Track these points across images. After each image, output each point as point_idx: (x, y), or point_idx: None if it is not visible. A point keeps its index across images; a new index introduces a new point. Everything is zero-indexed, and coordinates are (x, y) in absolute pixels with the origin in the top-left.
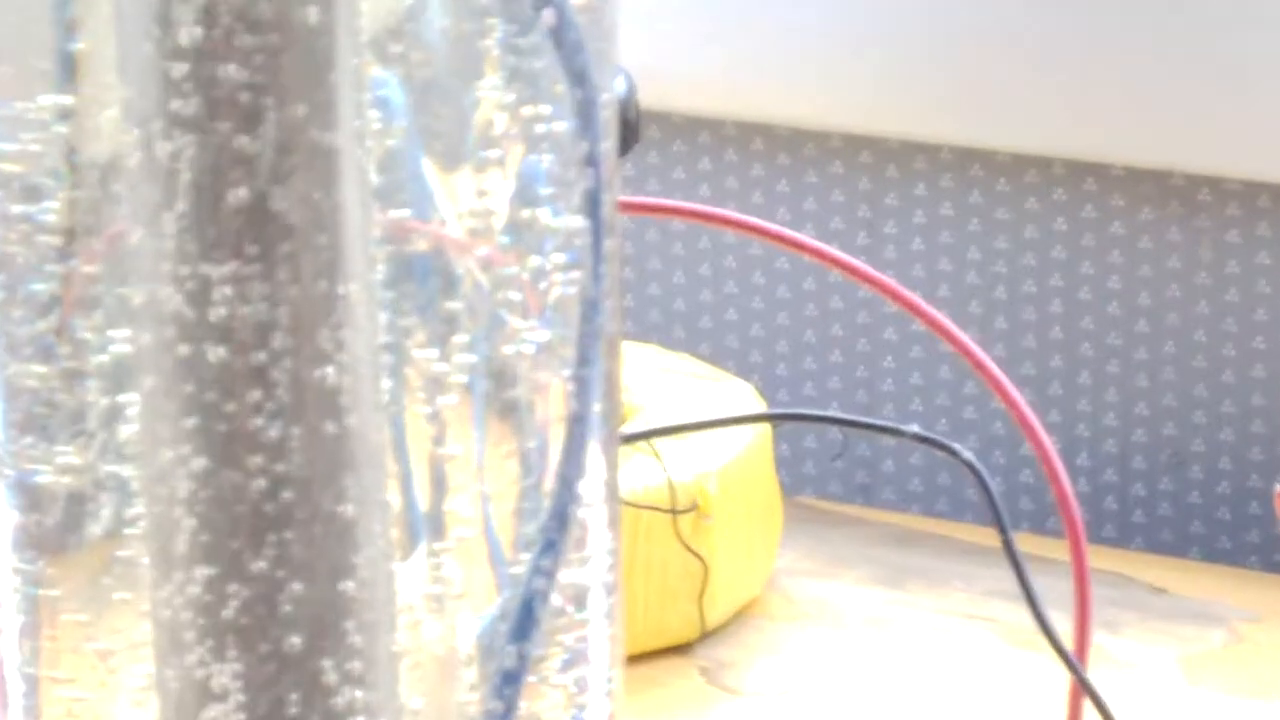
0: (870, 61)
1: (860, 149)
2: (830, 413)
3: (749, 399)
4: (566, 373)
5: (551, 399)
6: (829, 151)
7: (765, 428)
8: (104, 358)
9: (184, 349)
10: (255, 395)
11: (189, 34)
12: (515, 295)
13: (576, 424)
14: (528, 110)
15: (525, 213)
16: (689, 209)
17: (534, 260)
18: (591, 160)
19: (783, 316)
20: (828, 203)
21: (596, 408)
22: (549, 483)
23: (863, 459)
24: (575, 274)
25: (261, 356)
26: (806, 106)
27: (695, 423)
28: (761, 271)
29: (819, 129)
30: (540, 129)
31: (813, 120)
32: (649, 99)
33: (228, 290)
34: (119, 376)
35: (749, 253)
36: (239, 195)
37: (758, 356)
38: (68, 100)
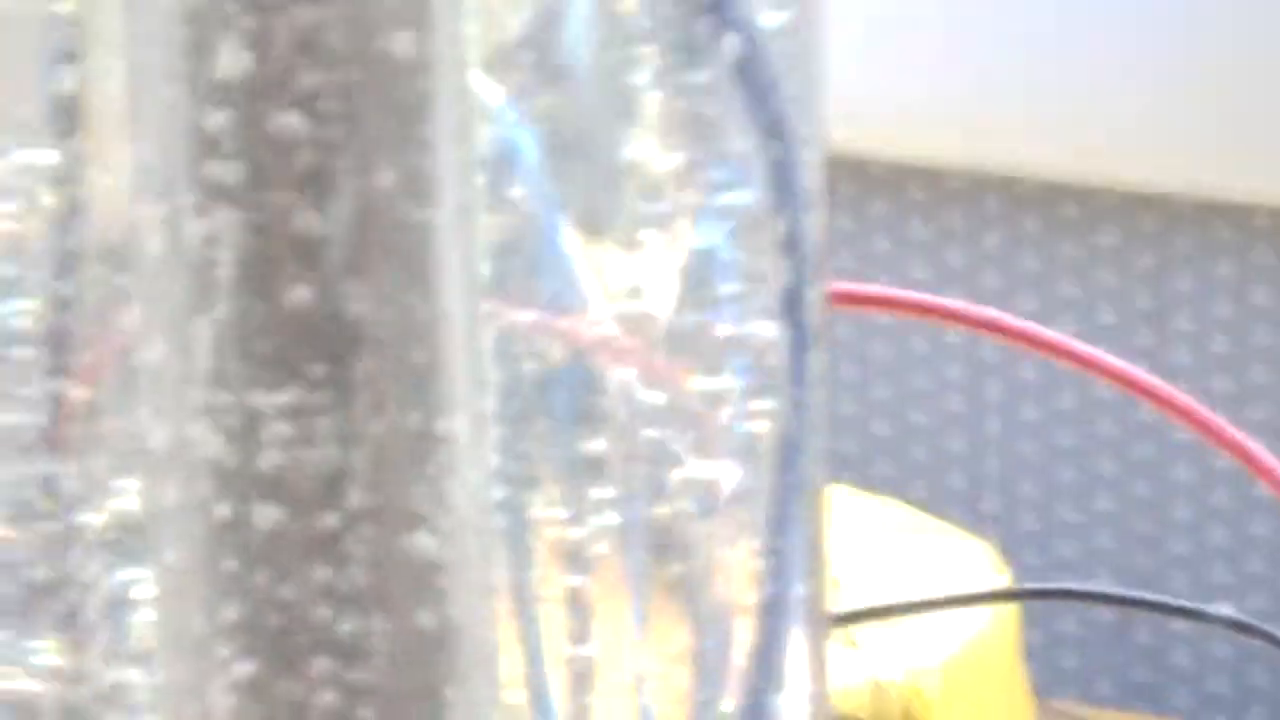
0: (1152, 94)
1: (1140, 209)
2: (1099, 587)
3: (983, 564)
4: (755, 542)
5: (734, 579)
6: (1097, 213)
7: (1008, 607)
8: (103, 518)
9: (223, 509)
10: (322, 574)
11: (233, 66)
12: (682, 431)
13: (771, 615)
14: (700, 173)
15: (695, 314)
16: (913, 301)
17: (707, 381)
18: (791, 242)
19: (1028, 447)
20: (1094, 286)
21: (799, 590)
22: (732, 697)
23: (1145, 649)
24: (767, 401)
25: (331, 520)
26: (1062, 151)
27: (910, 602)
28: (999, 382)
29: (1079, 182)
30: (718, 199)
31: (1071, 170)
32: (838, 142)
33: (284, 427)
34: (126, 546)
35: (980, 355)
36: (300, 295)
37: (994, 503)
38: (56, 158)
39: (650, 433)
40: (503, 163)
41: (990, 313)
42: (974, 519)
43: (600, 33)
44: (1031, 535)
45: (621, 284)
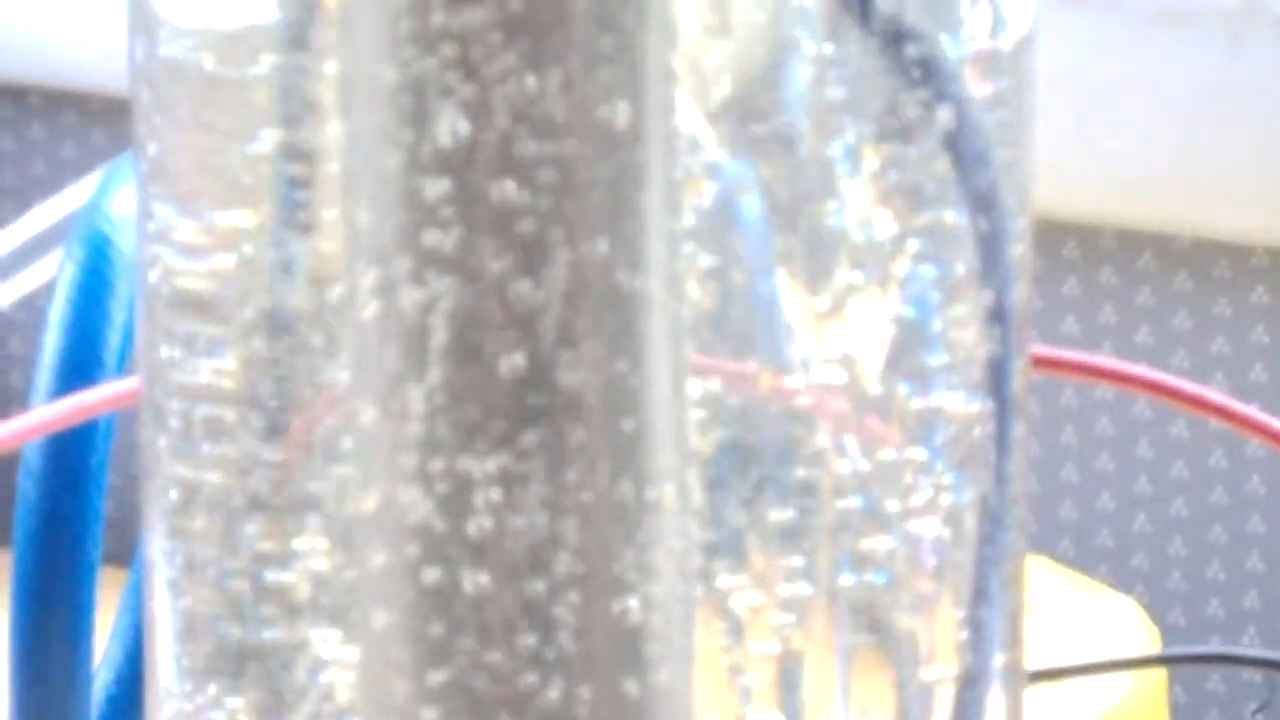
0: None
1: None
2: (1252, 651)
3: (1131, 623)
4: (959, 613)
5: (937, 647)
6: (1250, 270)
7: (1156, 671)
8: (299, 579)
9: (431, 574)
10: (529, 641)
11: (451, 136)
12: (884, 500)
13: (972, 685)
14: (911, 243)
15: (902, 388)
16: (1112, 370)
17: (911, 450)
18: (998, 313)
19: (1178, 505)
20: (1247, 344)
21: (999, 660)
22: None
23: None
24: (971, 473)
25: (539, 587)
26: (1214, 208)
27: (1060, 668)
28: (1149, 440)
29: (1231, 239)
30: (927, 269)
31: (1222, 227)
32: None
33: (494, 494)
34: (329, 612)
35: (1131, 413)
36: (514, 363)
37: (1143, 561)
38: (252, 219)
39: (853, 502)
40: (724, 221)
41: (1172, 380)
42: (1122, 577)
43: (814, 99)
44: (1178, 593)
45: (829, 351)
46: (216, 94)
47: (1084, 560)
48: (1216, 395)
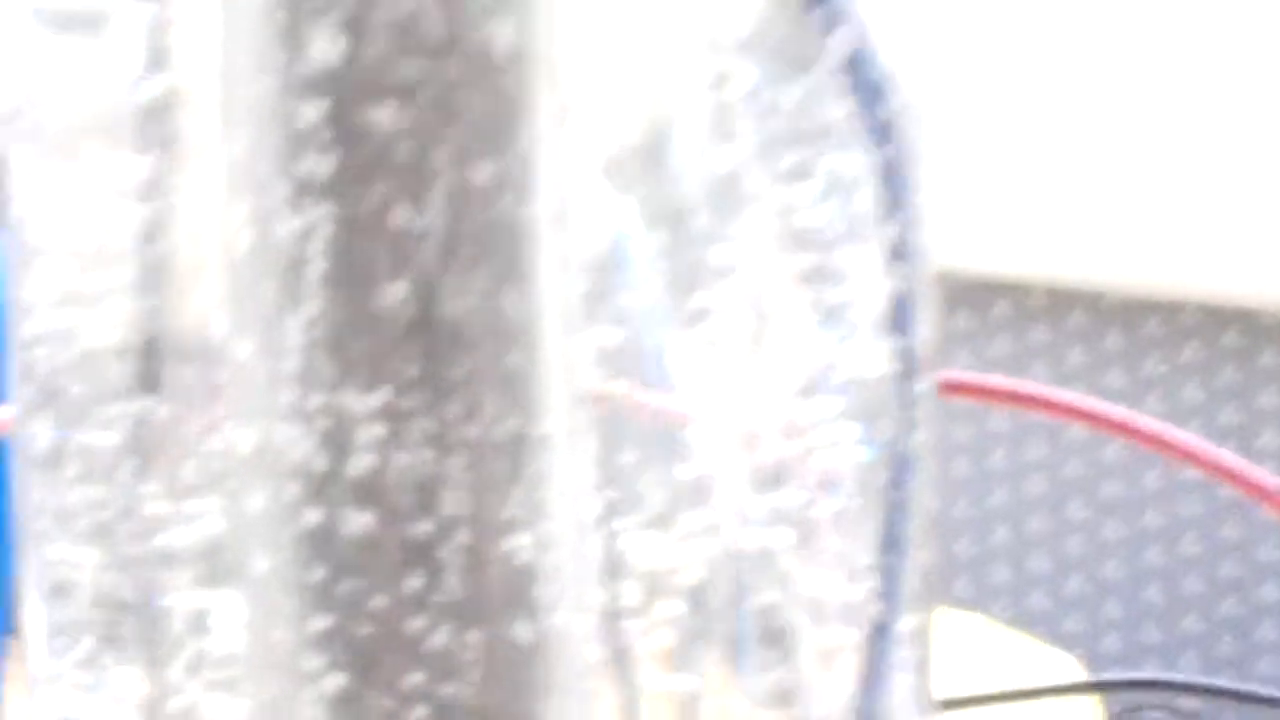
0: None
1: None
2: (1188, 677)
3: (1071, 672)
4: (859, 571)
5: (834, 611)
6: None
7: (1092, 707)
8: (189, 539)
9: (313, 515)
10: (415, 583)
11: (327, 56)
12: (779, 459)
13: (878, 641)
14: (810, 280)
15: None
16: (1032, 395)
17: (809, 407)
18: (899, 250)
19: (1112, 566)
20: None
21: (908, 621)
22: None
23: None
24: (872, 428)
25: (425, 527)
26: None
27: (997, 693)
28: (1081, 501)
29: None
30: (825, 303)
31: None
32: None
33: (377, 430)
34: (209, 560)
35: (1063, 473)
36: (395, 294)
37: (1079, 623)
38: (144, 169)
39: (745, 460)
40: (611, 266)
41: (1112, 412)
42: (1058, 638)
43: (712, 146)
44: (1114, 654)
45: (725, 386)
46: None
47: (1021, 622)
48: (1146, 419)
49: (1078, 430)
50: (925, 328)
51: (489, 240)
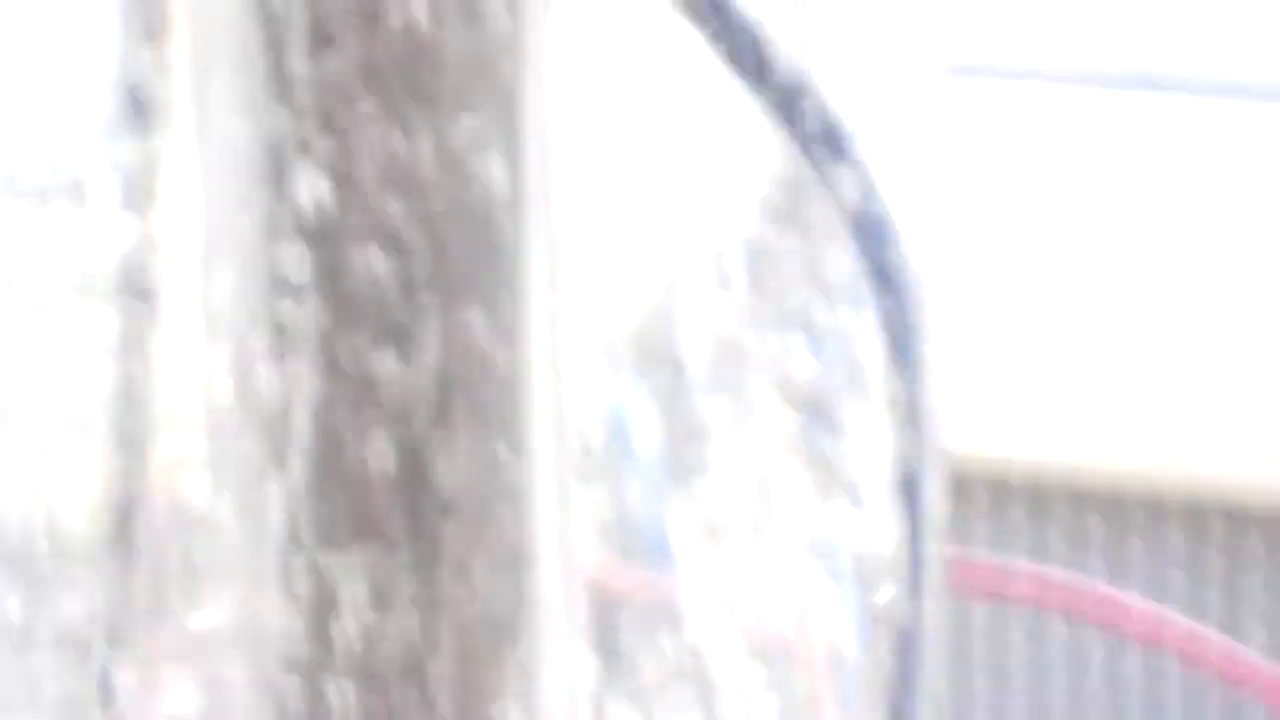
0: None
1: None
2: None
3: None
4: None
5: None
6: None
7: None
8: (164, 709)
9: (295, 686)
10: None
11: (310, 193)
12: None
13: None
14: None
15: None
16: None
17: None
18: (910, 412)
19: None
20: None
21: None
22: None
23: None
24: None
25: (412, 695)
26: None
27: None
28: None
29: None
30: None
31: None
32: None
33: (360, 592)
34: None
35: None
36: (380, 455)
37: None
38: (121, 319)
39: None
40: (614, 443)
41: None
42: None
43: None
44: None
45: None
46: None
47: None
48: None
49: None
50: (935, 494)
51: (481, 394)
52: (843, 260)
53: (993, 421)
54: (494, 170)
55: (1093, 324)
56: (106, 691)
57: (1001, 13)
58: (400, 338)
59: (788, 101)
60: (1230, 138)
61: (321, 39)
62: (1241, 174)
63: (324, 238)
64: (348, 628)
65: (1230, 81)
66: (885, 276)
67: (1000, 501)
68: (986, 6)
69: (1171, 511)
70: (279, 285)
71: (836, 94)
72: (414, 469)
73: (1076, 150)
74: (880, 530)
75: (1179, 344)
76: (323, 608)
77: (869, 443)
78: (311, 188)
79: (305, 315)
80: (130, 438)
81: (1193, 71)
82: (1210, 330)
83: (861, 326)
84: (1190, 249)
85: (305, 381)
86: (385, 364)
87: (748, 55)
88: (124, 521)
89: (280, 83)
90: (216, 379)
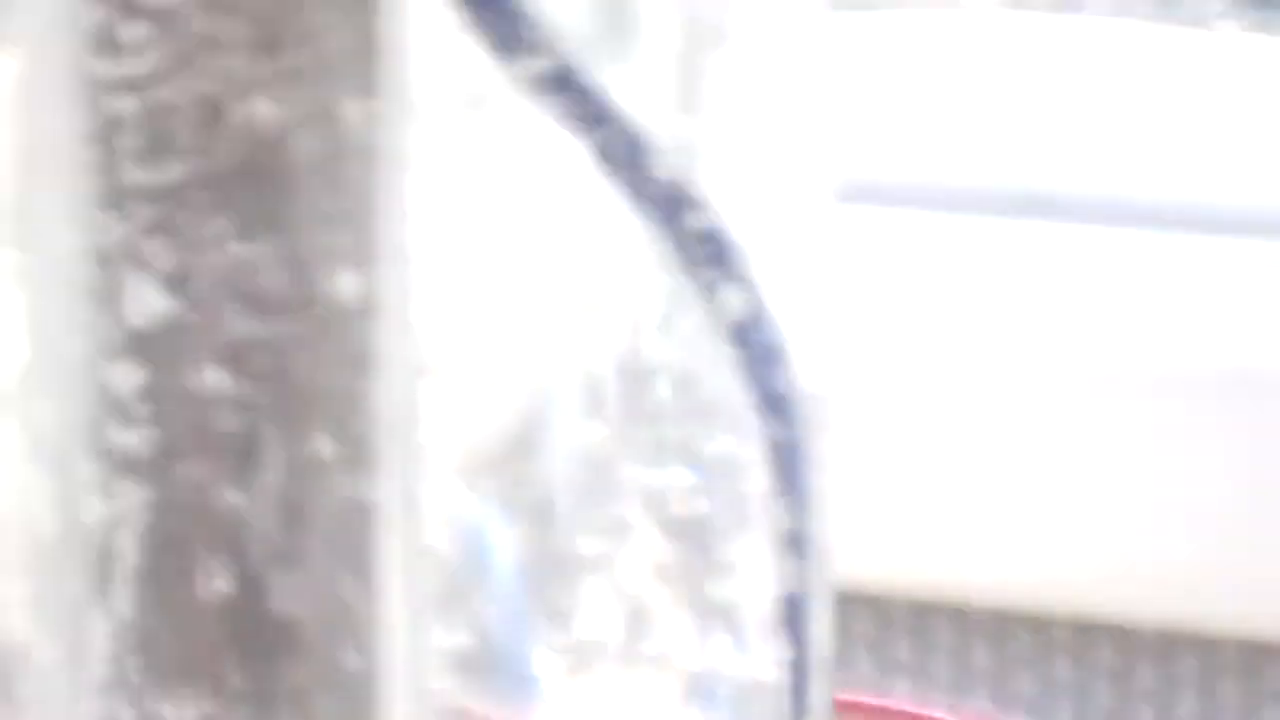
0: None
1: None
2: None
3: None
4: None
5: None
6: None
7: None
8: None
9: None
10: None
11: (146, 314)
12: None
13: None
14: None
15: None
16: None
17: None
18: (795, 539)
19: None
20: None
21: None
22: None
23: None
24: None
25: None
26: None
27: None
28: None
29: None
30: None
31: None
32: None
33: None
34: None
35: None
36: (216, 590)
37: None
38: None
39: None
40: (467, 563)
41: None
42: None
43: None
44: None
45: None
46: None
47: None
48: None
49: None
50: (820, 629)
51: (327, 526)
52: (727, 383)
53: (877, 548)
54: (345, 284)
55: (980, 450)
56: None
57: (894, 133)
58: (240, 464)
59: (669, 209)
60: (1123, 266)
61: (160, 144)
62: (1127, 300)
63: (159, 357)
64: None
65: (1127, 206)
66: (773, 402)
67: (884, 629)
68: (880, 126)
69: (1059, 637)
70: (109, 408)
71: (724, 208)
72: (252, 603)
73: (971, 275)
74: (763, 663)
75: (1065, 466)
76: None
77: (753, 574)
78: (146, 303)
79: (137, 441)
80: None
81: (1086, 195)
82: (1095, 454)
83: (746, 455)
84: (1081, 372)
85: (135, 512)
86: (223, 492)
87: (627, 159)
88: None
89: (114, 191)
90: (39, 509)
